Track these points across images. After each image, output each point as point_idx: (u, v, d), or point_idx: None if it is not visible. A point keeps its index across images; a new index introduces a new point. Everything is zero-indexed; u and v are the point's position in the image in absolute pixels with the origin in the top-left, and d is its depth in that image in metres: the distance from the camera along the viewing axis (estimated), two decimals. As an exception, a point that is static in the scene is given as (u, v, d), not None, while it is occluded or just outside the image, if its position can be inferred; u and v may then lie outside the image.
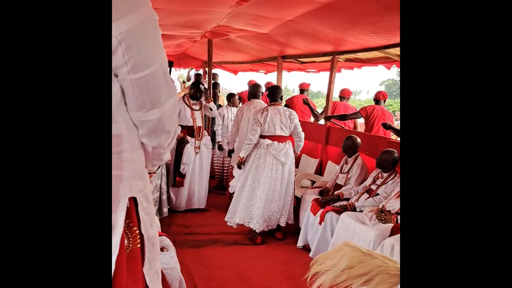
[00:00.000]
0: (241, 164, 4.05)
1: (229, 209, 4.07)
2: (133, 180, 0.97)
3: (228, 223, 4.04)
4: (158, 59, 0.93)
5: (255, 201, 3.93)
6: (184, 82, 9.22)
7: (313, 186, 4.49)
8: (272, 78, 8.01)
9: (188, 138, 4.62)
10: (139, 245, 1.00)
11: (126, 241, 0.96)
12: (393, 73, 38.09)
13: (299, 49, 5.22)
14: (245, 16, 3.59)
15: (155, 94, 0.95)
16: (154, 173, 1.25)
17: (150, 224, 1.05)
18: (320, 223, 3.47)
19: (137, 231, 1.00)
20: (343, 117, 5.11)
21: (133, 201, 0.99)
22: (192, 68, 8.89)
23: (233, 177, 4.68)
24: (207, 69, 5.73)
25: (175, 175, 4.57)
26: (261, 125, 3.88)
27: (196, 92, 4.66)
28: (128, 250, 0.97)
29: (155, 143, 1.04)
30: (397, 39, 3.60)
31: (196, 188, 4.75)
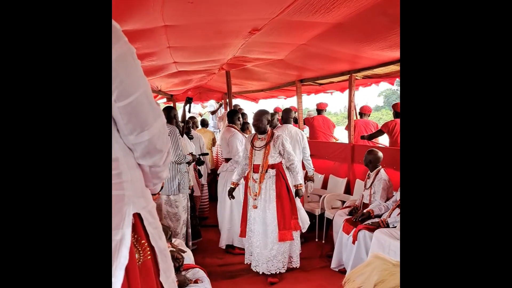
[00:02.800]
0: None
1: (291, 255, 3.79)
2: (135, 198, 1.07)
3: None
4: (140, 87, 1.02)
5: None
6: (213, 112, 9.33)
7: (343, 206, 4.43)
8: (293, 102, 8.05)
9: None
10: (149, 257, 1.10)
11: (137, 255, 1.07)
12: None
13: (316, 71, 5.27)
14: (259, 44, 3.67)
15: (143, 118, 1.05)
16: (159, 194, 1.38)
17: (159, 237, 1.15)
18: (353, 243, 3.41)
19: (146, 244, 1.10)
20: (369, 137, 5.14)
21: (138, 217, 1.09)
22: (222, 104, 9.01)
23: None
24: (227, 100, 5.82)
25: None
26: None
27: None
28: (140, 262, 1.07)
29: (150, 163, 1.13)
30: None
31: None
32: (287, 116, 4.69)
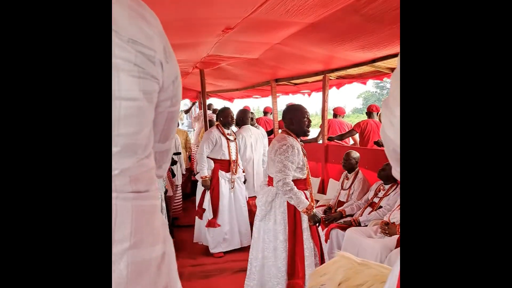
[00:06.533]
0: None
1: None
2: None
3: None
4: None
5: None
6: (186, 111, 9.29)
7: (317, 205, 4.46)
8: (268, 102, 8.06)
9: (223, 173, 4.17)
10: None
11: None
12: (369, 85, 38.00)
13: (291, 71, 5.29)
14: (232, 43, 3.65)
15: (174, 125, 1.01)
16: None
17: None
18: (326, 241, 3.44)
19: None
20: (339, 137, 5.21)
21: None
22: (195, 103, 8.98)
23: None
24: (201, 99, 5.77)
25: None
26: None
27: (228, 118, 4.25)
28: None
29: (161, 173, 1.08)
30: (384, 52, 3.65)
31: (237, 227, 4.28)
32: (245, 116, 4.75)
